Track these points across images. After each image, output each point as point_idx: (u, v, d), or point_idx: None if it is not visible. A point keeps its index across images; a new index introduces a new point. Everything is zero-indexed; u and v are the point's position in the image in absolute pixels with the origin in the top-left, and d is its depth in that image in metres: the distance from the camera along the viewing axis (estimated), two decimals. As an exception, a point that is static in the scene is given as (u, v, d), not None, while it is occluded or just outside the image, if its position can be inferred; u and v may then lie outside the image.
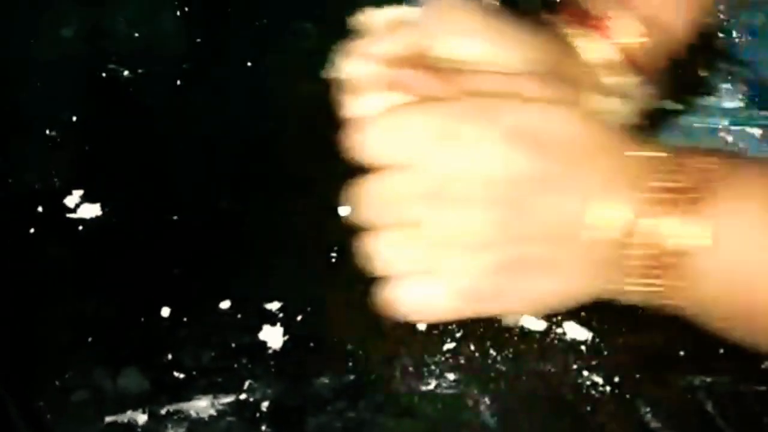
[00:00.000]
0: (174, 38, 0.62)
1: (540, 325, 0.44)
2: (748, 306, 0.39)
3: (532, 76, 0.43)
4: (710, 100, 0.58)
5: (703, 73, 0.60)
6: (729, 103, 0.58)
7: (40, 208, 0.48)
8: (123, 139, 0.53)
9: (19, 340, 0.43)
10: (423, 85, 0.41)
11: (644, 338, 0.44)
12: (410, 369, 0.42)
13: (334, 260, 0.47)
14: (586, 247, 0.39)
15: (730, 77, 0.60)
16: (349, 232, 0.48)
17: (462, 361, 0.42)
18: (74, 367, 0.42)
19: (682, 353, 0.43)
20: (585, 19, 0.49)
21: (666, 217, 0.38)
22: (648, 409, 0.41)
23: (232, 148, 0.53)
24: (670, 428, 0.40)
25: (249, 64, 0.59)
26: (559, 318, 0.44)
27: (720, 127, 0.56)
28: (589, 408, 0.41)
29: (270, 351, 0.42)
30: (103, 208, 0.48)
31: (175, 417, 0.40)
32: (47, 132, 0.53)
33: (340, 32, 0.62)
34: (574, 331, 0.44)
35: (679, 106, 0.54)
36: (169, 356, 0.42)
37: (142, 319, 0.43)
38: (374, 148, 0.41)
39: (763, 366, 0.42)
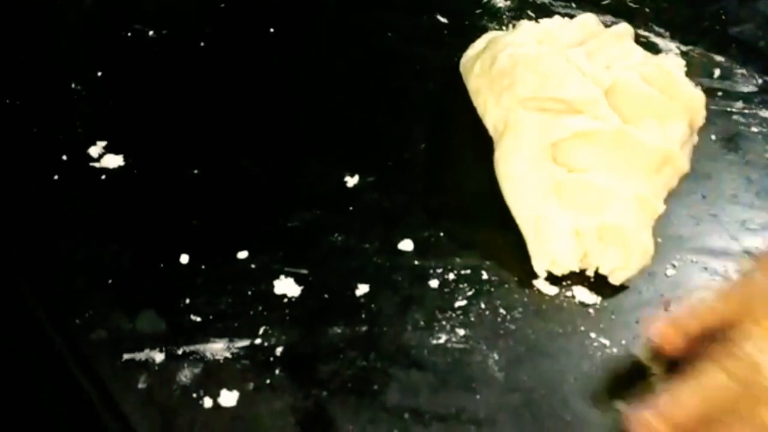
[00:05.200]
0: (198, 2, 0.63)
1: (552, 290, 0.45)
2: None
3: None
4: (725, 84, 0.59)
5: (718, 58, 0.61)
6: (744, 88, 0.59)
7: (64, 157, 0.49)
8: (147, 96, 0.54)
9: (41, 281, 0.44)
10: None
11: (652, 304, 0.45)
12: (422, 323, 0.43)
13: (349, 216, 0.48)
14: None
15: (745, 62, 0.61)
16: (362, 190, 0.49)
17: (472, 318, 0.43)
18: (94, 307, 0.43)
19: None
20: None
21: None
22: (654, 371, 0.42)
23: (252, 108, 0.54)
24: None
25: (271, 30, 0.60)
26: (569, 282, 0.45)
27: (734, 110, 0.57)
28: (594, 368, 0.42)
29: (285, 300, 0.43)
30: (126, 159, 0.49)
31: (191, 357, 0.41)
32: (73, 85, 0.54)
33: (358, 8, 0.63)
34: (583, 294, 0.45)
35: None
36: (187, 301, 0.43)
37: (161, 265, 0.44)
38: None
39: None
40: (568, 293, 0.45)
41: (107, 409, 0.39)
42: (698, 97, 0.50)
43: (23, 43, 0.57)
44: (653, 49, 0.60)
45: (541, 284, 0.45)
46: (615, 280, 0.45)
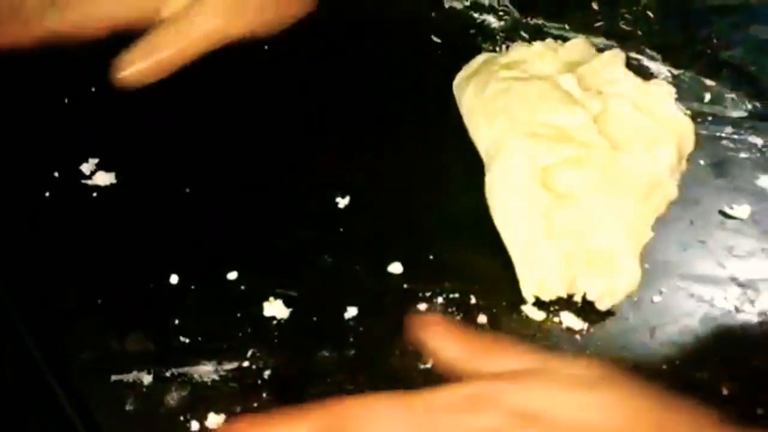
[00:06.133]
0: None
1: (539, 315, 0.45)
2: None
3: None
4: (715, 109, 0.59)
5: (709, 83, 0.61)
6: (734, 113, 0.59)
7: (56, 173, 0.49)
8: (140, 112, 0.54)
9: (28, 300, 0.44)
10: None
11: (638, 330, 0.45)
12: (409, 347, 0.43)
13: (339, 237, 0.48)
14: None
15: (735, 87, 0.61)
16: (353, 211, 0.49)
17: (460, 343, 0.43)
18: (82, 328, 0.43)
19: (675, 346, 0.44)
20: None
21: None
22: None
23: (243, 127, 0.54)
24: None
25: (265, 47, 0.60)
26: (557, 307, 0.45)
27: (723, 135, 0.57)
28: (581, 395, 0.42)
29: (274, 322, 0.44)
30: (117, 176, 0.50)
31: (179, 380, 0.41)
32: (65, 100, 0.54)
33: (352, 26, 0.63)
34: (570, 320, 0.45)
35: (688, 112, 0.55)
36: (176, 322, 0.43)
37: (151, 285, 0.45)
38: None
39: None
40: (556, 319, 0.45)
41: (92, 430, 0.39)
42: (687, 124, 0.50)
43: (14, 56, 0.57)
44: (645, 71, 0.60)
45: (529, 309, 0.45)
46: (602, 306, 0.45)
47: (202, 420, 0.39)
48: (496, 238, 0.47)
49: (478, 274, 0.47)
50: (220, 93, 0.56)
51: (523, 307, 0.45)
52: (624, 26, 0.64)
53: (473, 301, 0.45)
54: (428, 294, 0.45)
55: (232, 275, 0.45)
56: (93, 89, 0.55)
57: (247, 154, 0.53)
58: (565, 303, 0.46)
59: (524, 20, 0.64)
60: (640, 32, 0.64)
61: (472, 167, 0.51)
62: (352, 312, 0.44)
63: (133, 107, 0.54)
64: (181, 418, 0.39)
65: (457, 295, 0.46)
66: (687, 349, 0.44)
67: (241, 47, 0.60)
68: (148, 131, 0.53)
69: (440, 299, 0.45)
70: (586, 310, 0.45)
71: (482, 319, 0.45)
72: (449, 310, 0.45)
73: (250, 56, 0.59)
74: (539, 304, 0.45)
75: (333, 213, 0.49)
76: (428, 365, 0.42)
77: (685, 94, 0.59)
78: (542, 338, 0.44)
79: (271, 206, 0.50)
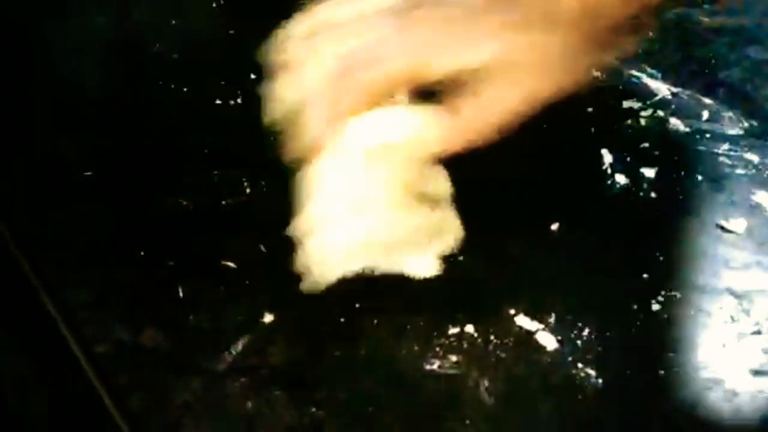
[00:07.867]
0: (206, 26, 0.65)
1: (533, 326, 0.47)
2: None
3: None
4: (713, 126, 0.61)
5: (707, 101, 0.63)
6: (731, 131, 0.61)
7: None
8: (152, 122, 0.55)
9: (51, 297, 0.45)
10: None
11: (637, 338, 0.46)
12: (416, 348, 0.45)
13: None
14: None
15: (732, 106, 0.63)
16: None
17: (465, 346, 0.45)
18: (98, 322, 0.44)
19: (671, 354, 0.46)
20: None
21: None
22: (639, 404, 0.43)
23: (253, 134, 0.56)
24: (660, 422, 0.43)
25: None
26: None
27: (720, 151, 0.59)
28: (580, 396, 0.43)
29: (287, 322, 0.45)
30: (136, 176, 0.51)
31: (192, 374, 0.42)
32: (77, 104, 0.56)
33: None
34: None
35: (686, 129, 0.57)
36: (190, 317, 0.44)
37: (166, 282, 0.46)
38: None
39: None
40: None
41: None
42: None
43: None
44: (645, 89, 0.62)
45: (522, 320, 0.46)
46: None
47: (213, 414, 0.40)
48: (500, 244, 0.49)
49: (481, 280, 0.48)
50: (228, 104, 0.58)
51: (516, 319, 0.46)
52: (625, 45, 0.66)
53: (478, 306, 0.47)
54: (434, 297, 0.47)
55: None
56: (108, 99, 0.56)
57: (256, 159, 0.54)
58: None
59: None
60: (640, 51, 0.66)
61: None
62: (360, 313, 0.46)
63: (145, 118, 0.56)
64: (193, 412, 0.41)
65: (462, 299, 0.47)
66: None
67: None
68: (169, 137, 0.54)
69: (446, 303, 0.47)
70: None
71: (486, 323, 0.46)
72: (455, 314, 0.46)
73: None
74: (531, 314, 0.47)
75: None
76: (434, 366, 0.44)
77: (684, 111, 0.61)
78: (542, 343, 0.46)
79: (282, 207, 0.51)
